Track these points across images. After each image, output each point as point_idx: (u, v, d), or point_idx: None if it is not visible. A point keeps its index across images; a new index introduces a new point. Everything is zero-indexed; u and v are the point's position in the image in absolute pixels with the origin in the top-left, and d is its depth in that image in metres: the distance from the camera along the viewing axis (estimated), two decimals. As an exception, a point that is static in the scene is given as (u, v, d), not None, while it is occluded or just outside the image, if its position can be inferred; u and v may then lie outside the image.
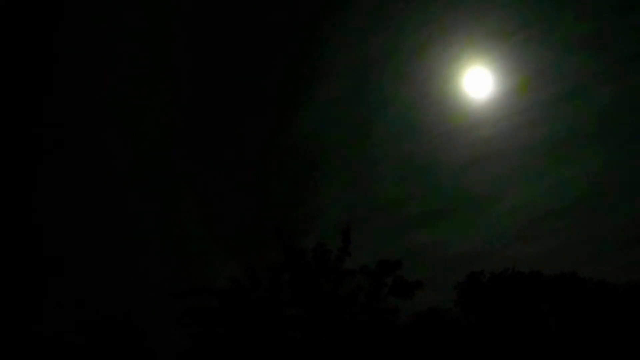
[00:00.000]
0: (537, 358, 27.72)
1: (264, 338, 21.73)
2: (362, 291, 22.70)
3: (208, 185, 47.44)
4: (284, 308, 22.39)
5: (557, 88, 45.83)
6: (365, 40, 46.83)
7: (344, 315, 22.53)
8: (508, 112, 44.57)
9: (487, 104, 43.53)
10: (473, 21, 42.19)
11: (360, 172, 49.49)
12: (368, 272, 22.93)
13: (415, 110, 47.84)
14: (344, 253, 22.47)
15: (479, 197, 47.57)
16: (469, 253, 40.25)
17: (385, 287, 22.87)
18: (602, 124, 46.35)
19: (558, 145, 47.69)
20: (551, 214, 44.49)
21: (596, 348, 27.88)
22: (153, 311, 26.20)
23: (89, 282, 31.26)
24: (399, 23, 45.17)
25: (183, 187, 45.69)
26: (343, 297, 22.51)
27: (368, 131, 50.92)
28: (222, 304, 22.26)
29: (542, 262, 36.73)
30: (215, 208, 45.13)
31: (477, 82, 42.86)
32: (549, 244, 41.62)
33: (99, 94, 42.75)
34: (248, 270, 22.38)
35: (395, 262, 23.28)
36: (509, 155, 47.35)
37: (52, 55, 38.52)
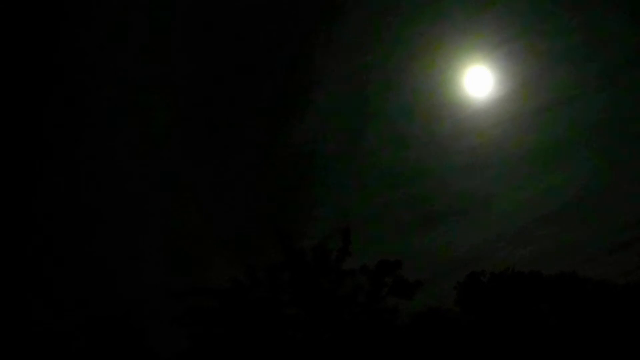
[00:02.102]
0: (537, 358, 27.72)
1: (264, 338, 21.73)
2: (362, 291, 22.73)
3: (208, 186, 47.63)
4: (284, 308, 22.39)
5: (545, 98, 47.12)
6: (358, 52, 48.47)
7: (344, 315, 22.54)
8: (497, 121, 46.12)
9: (475, 113, 45.21)
10: (460, 34, 43.67)
11: (354, 179, 50.37)
12: (368, 272, 22.97)
13: (405, 119, 49.52)
14: (343, 253, 22.50)
15: (470, 203, 48.62)
16: (461, 258, 40.63)
17: (385, 287, 22.91)
18: (590, 132, 47.40)
19: (546, 152, 49.23)
20: (543, 218, 45.28)
21: (596, 348, 27.88)
22: (153, 311, 26.21)
23: (88, 282, 31.23)
24: (386, 38, 46.89)
25: (183, 187, 45.86)
26: (343, 297, 22.52)
27: (361, 139, 52.22)
28: (222, 304, 22.26)
29: (537, 264, 36.91)
30: (215, 208, 45.21)
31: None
32: (544, 247, 42.32)
33: (101, 94, 42.81)
34: (248, 270, 22.38)
35: (395, 262, 23.33)
36: (498, 162, 48.69)
37: (48, 55, 38.54)
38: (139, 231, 38.62)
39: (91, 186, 41.46)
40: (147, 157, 44.79)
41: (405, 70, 47.71)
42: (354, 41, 47.75)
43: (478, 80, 44.01)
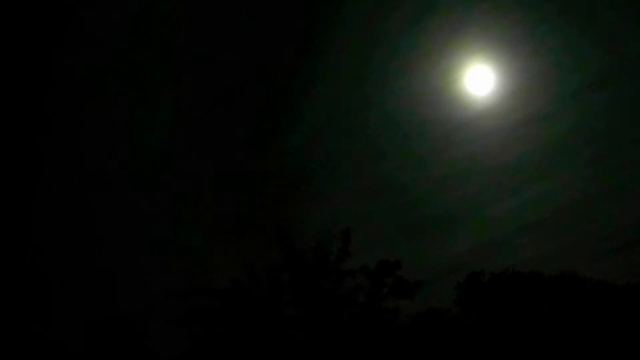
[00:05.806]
0: (537, 358, 27.73)
1: (264, 338, 21.74)
2: (362, 291, 22.76)
3: (208, 186, 48.02)
4: (284, 308, 22.40)
5: (529, 111, 49.25)
6: (343, 72, 51.00)
7: (344, 315, 22.56)
8: (477, 135, 48.27)
9: (463, 126, 47.87)
10: (438, 55, 46.25)
11: (339, 189, 51.87)
12: (368, 272, 23.00)
13: (385, 135, 52.30)
14: (343, 253, 22.51)
15: (454, 214, 50.41)
16: (449, 264, 41.27)
17: (385, 287, 22.94)
18: (575, 144, 49.64)
19: (532, 163, 51.32)
20: (530, 226, 46.51)
21: (596, 348, 27.89)
22: (153, 311, 26.23)
23: (89, 282, 31.29)
24: (374, 56, 49.38)
25: (183, 188, 46.21)
26: (343, 297, 22.54)
27: (344, 154, 54.29)
28: (222, 304, 22.27)
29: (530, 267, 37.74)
30: (215, 209, 45.51)
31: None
32: (528, 254, 43.36)
33: (99, 95, 43.10)
34: (248, 270, 22.39)
35: (395, 262, 23.34)
36: (486, 171, 50.55)
37: (49, 56, 38.70)
38: (139, 232, 38.73)
39: (91, 187, 41.64)
40: (148, 160, 45.13)
41: (383, 89, 49.80)
42: (339, 62, 49.85)
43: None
